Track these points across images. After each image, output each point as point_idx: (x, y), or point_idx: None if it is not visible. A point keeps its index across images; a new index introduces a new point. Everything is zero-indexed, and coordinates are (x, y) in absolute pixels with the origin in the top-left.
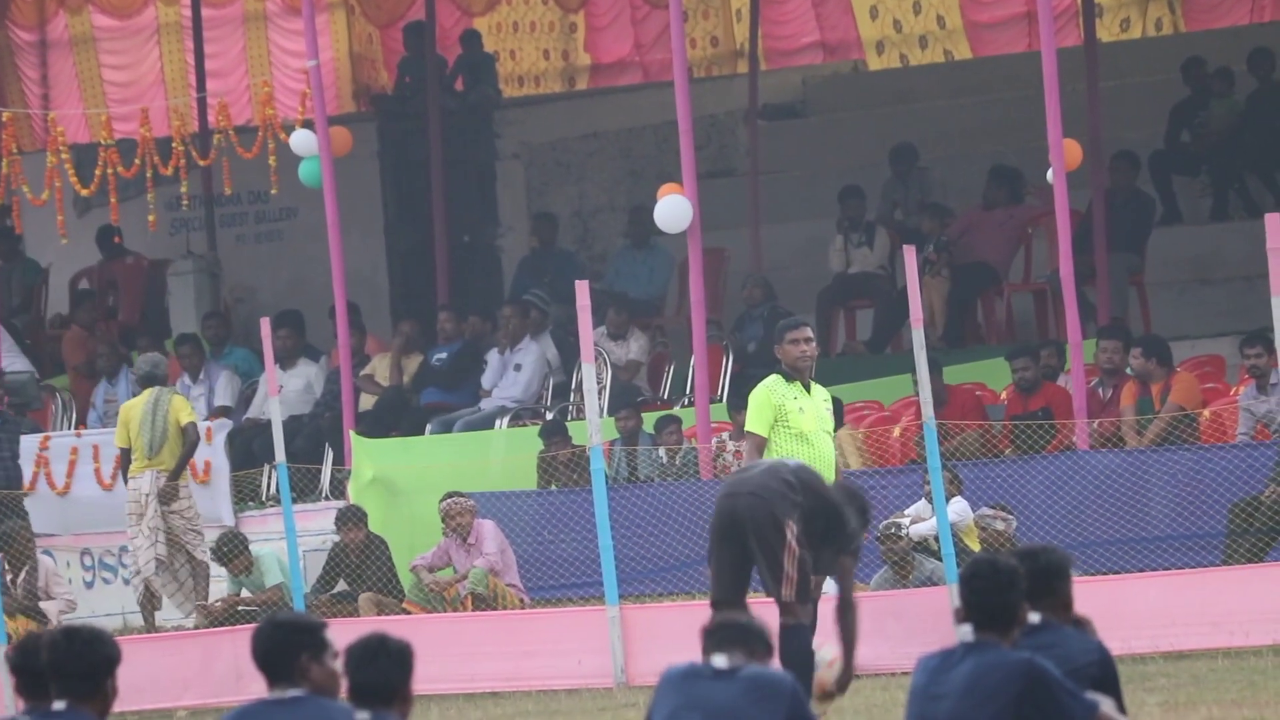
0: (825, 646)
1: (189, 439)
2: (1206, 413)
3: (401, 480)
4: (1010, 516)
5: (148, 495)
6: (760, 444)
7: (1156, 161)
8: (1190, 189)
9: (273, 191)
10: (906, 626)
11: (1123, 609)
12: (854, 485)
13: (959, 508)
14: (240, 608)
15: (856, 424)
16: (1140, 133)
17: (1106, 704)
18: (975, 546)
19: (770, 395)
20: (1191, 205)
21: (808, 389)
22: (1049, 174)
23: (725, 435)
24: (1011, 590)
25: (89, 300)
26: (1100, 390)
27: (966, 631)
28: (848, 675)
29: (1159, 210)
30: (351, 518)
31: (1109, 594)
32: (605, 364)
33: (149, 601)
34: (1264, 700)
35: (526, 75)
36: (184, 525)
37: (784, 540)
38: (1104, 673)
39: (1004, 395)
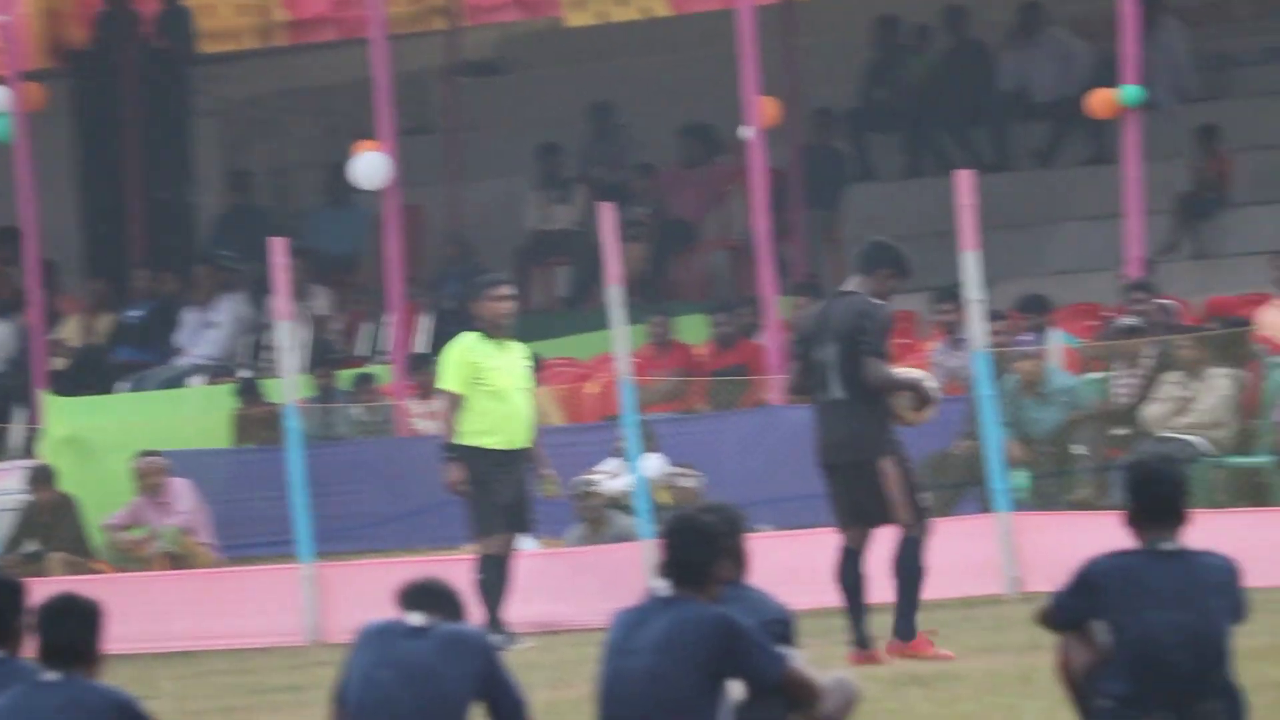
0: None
1: None
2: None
3: (94, 439)
4: (697, 474)
5: None
6: (456, 401)
7: (852, 119)
8: (885, 146)
9: None
10: (600, 582)
11: (816, 564)
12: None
13: (655, 463)
14: None
15: (554, 381)
16: (837, 90)
17: (797, 657)
18: (670, 502)
19: (466, 353)
20: (886, 162)
21: (506, 347)
22: (745, 131)
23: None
24: (708, 547)
25: None
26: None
27: (663, 586)
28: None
29: (854, 167)
30: (41, 477)
31: (802, 548)
32: (303, 321)
33: None
34: (951, 651)
35: (224, 31)
36: None
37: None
38: (786, 630)
39: (701, 350)
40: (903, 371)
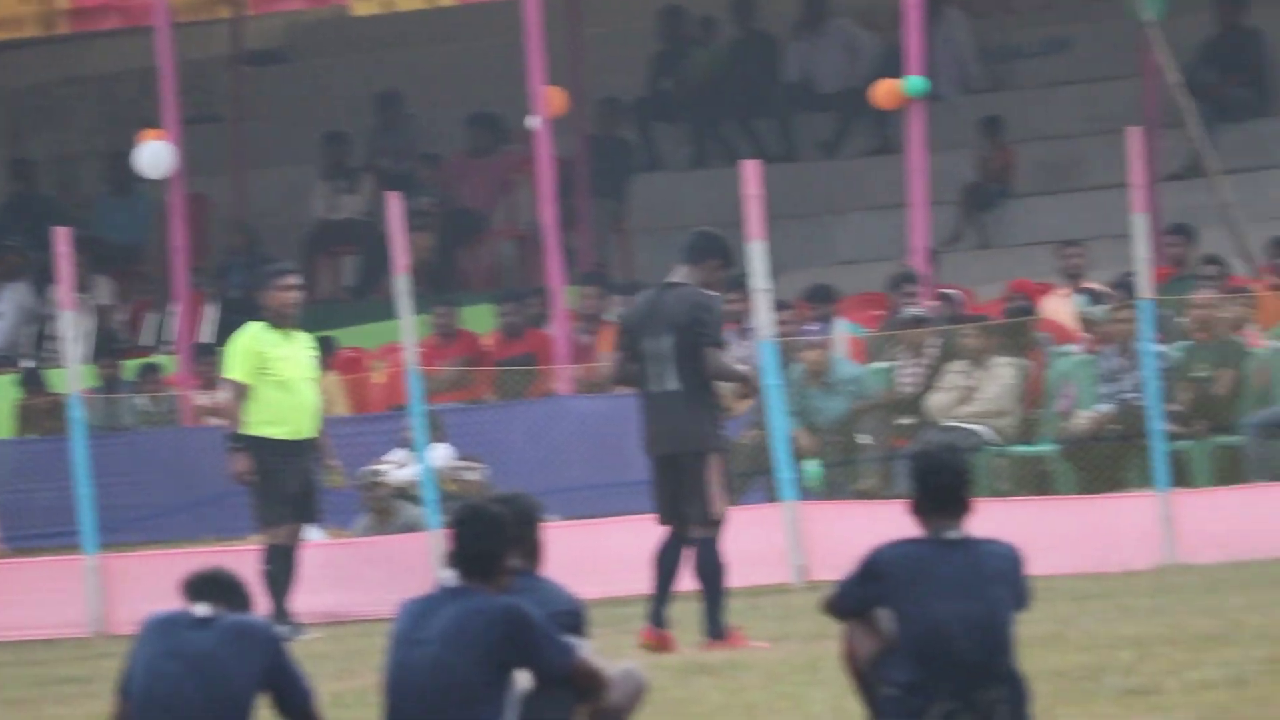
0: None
1: None
2: None
3: None
4: (481, 466)
5: None
6: (241, 391)
7: (639, 109)
8: (671, 136)
9: None
10: (388, 573)
11: (603, 553)
12: (704, 229)
13: (442, 453)
14: None
15: (341, 370)
16: (623, 80)
17: (585, 648)
18: (457, 492)
19: (252, 343)
20: (672, 152)
21: (292, 336)
22: (531, 121)
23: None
24: (496, 537)
25: None
26: (583, 336)
27: (451, 577)
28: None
29: (641, 157)
30: None
31: (589, 538)
32: (87, 311)
33: None
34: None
35: (5, 19)
36: None
37: (704, 471)
38: (576, 621)
39: (489, 339)
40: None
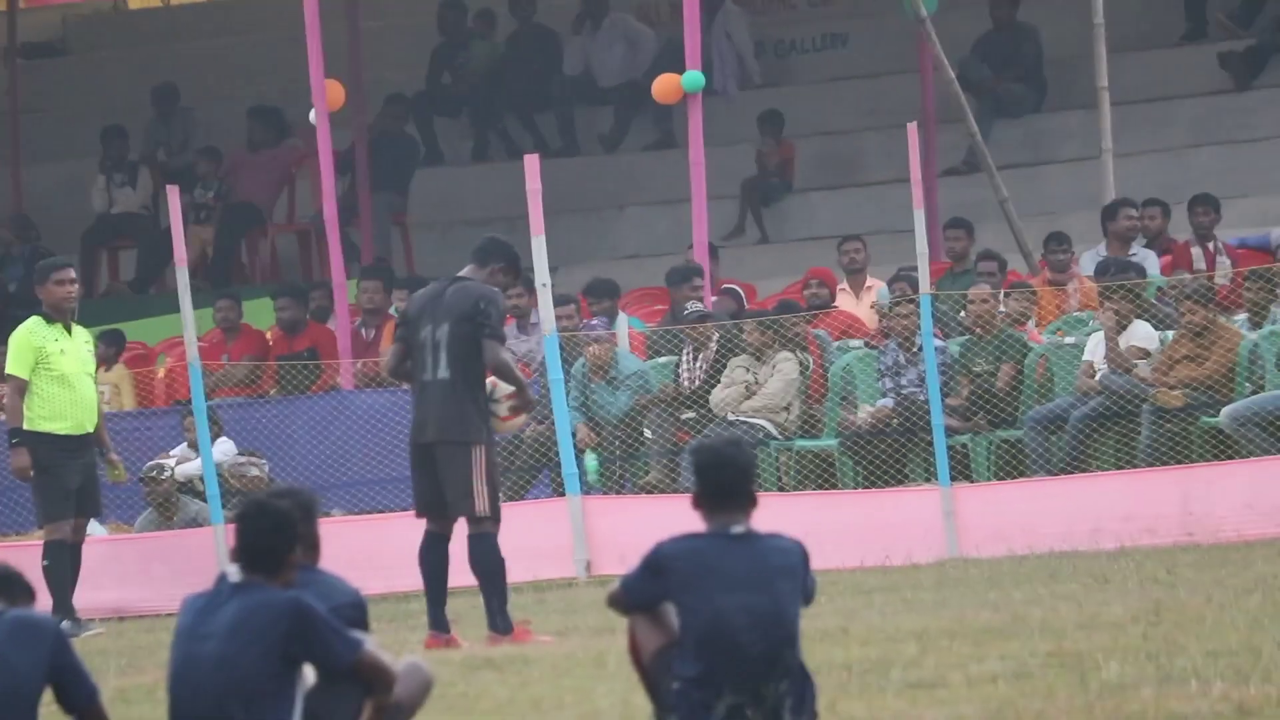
0: (497, 399)
1: None
2: None
3: None
4: (262, 461)
5: None
6: (21, 387)
7: (419, 103)
8: (452, 130)
9: None
10: (173, 568)
11: (386, 547)
12: (497, 236)
13: (224, 448)
14: None
15: (124, 364)
16: (403, 74)
17: (370, 642)
18: (239, 488)
19: (31, 337)
20: (453, 147)
21: (70, 330)
22: (311, 115)
23: None
24: (281, 532)
25: None
26: (364, 330)
27: (234, 571)
28: (527, 402)
29: (422, 152)
30: None
31: (373, 533)
32: None
33: None
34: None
35: None
36: None
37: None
38: (359, 615)
39: (270, 334)
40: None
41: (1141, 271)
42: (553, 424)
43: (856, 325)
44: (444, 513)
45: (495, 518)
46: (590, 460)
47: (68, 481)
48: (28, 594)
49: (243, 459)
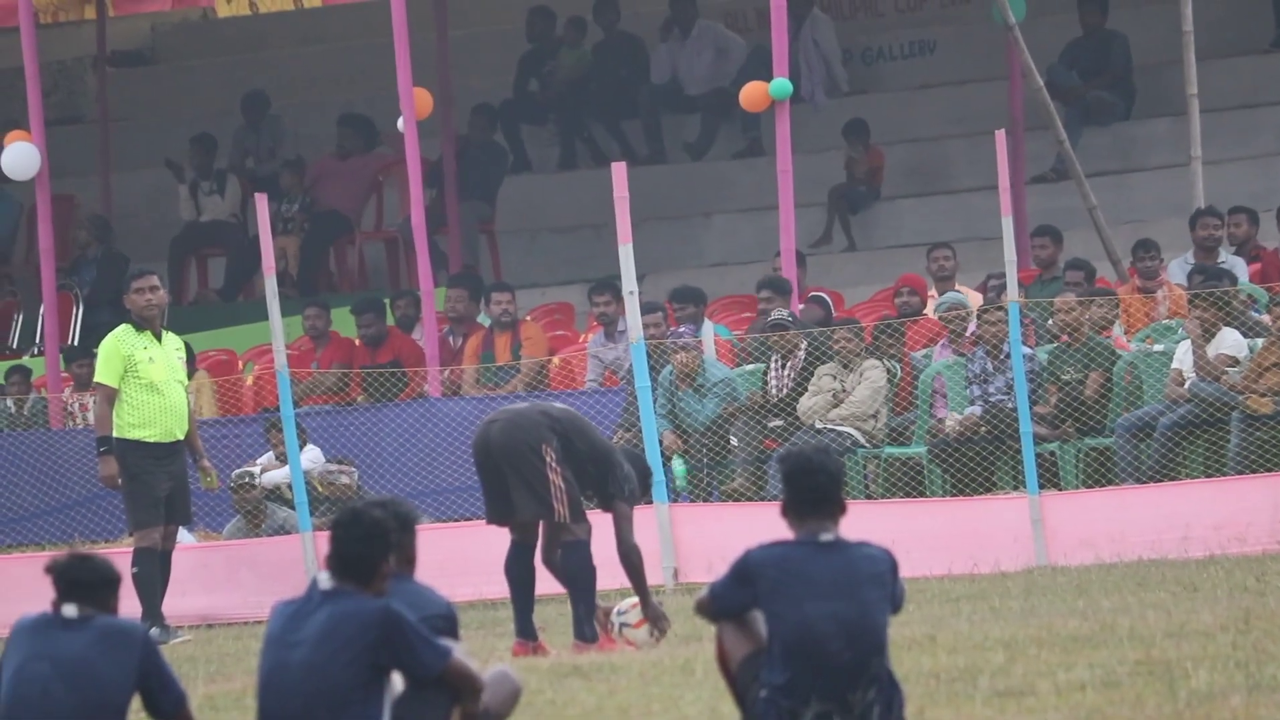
0: (624, 610)
1: None
2: (556, 360)
3: None
4: (352, 469)
5: None
6: (110, 395)
7: (506, 111)
8: (539, 138)
9: None
10: (260, 575)
11: (474, 554)
12: (636, 451)
13: (312, 455)
14: None
15: (211, 372)
16: (490, 82)
17: (459, 650)
18: (327, 496)
19: (119, 346)
20: (540, 154)
21: (159, 338)
22: (400, 123)
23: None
24: (374, 541)
25: None
26: (451, 338)
27: (325, 579)
28: (655, 614)
29: (509, 159)
30: None
31: (461, 540)
32: None
33: None
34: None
35: None
36: None
37: (543, 463)
38: (449, 626)
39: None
40: None
41: (1233, 279)
42: (639, 431)
43: (942, 333)
44: (523, 521)
45: (584, 524)
46: (678, 466)
47: (157, 489)
48: (114, 598)
49: (333, 466)
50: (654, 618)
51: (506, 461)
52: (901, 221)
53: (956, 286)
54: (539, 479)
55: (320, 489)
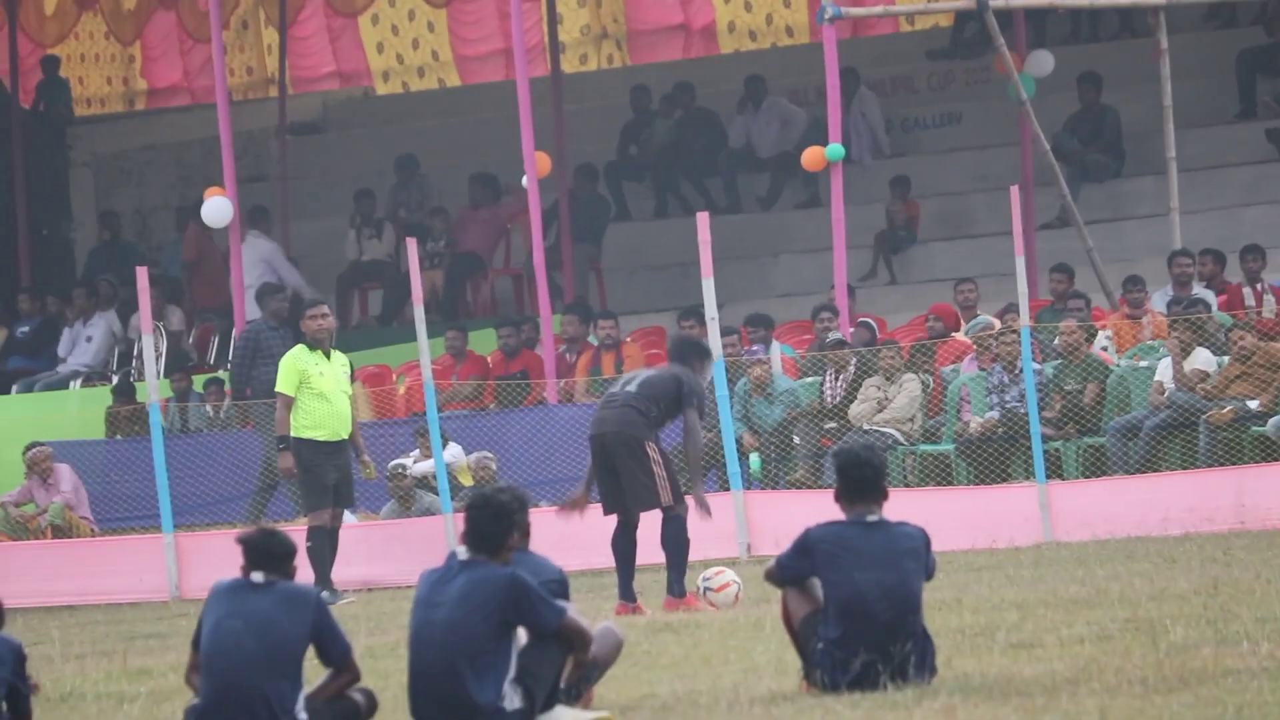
0: (709, 577)
1: None
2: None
3: None
4: (493, 458)
5: None
6: (288, 402)
7: (610, 170)
8: (637, 192)
9: None
10: (410, 549)
11: (584, 532)
12: (686, 335)
13: (454, 451)
14: None
15: (369, 383)
16: (597, 146)
17: (572, 609)
18: (468, 483)
19: (295, 362)
20: (639, 205)
21: (328, 356)
22: (524, 180)
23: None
24: (502, 520)
25: None
26: (566, 355)
27: (462, 551)
28: (701, 500)
29: (613, 210)
30: None
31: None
32: (161, 335)
33: None
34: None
35: (94, 97)
36: None
37: (648, 460)
38: (562, 589)
39: (490, 358)
40: None
41: (1208, 306)
42: (720, 432)
43: (967, 350)
44: (628, 508)
45: (682, 503)
46: (755, 460)
47: (326, 478)
48: (292, 566)
49: (483, 454)
50: (699, 501)
51: (620, 461)
52: (934, 261)
53: (978, 312)
54: (646, 472)
55: (464, 476)
